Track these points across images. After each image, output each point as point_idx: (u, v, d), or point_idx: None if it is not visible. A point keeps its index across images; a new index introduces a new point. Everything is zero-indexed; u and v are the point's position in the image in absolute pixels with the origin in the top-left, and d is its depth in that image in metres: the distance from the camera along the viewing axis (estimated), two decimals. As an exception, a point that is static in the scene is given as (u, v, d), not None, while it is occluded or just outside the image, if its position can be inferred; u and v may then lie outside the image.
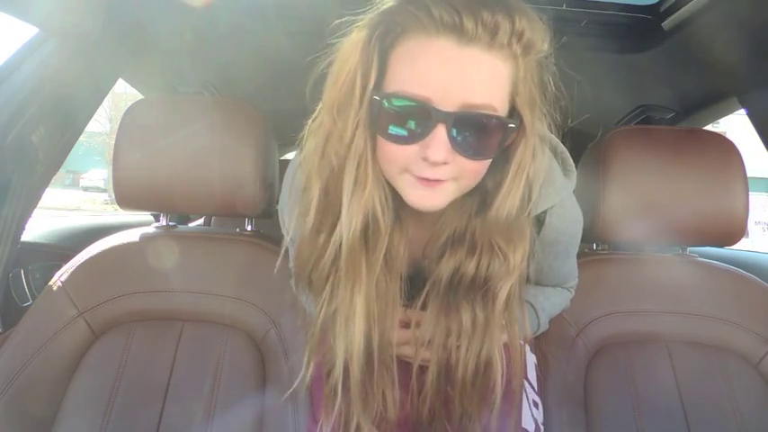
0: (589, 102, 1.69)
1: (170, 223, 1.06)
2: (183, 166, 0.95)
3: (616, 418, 0.89)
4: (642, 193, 0.94)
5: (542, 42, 0.63)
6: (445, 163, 0.62)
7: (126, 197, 0.98)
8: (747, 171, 0.94)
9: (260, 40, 1.40)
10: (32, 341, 0.90)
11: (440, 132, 0.60)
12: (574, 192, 0.80)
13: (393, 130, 0.62)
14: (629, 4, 1.25)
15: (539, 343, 0.94)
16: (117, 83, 1.31)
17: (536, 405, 0.84)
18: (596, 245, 1.06)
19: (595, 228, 0.97)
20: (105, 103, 1.85)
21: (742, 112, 1.29)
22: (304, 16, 1.29)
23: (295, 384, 0.74)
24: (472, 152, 0.63)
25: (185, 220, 1.92)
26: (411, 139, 0.62)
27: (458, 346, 0.70)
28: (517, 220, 0.69)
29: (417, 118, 0.61)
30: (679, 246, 1.03)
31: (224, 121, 0.98)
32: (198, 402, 0.89)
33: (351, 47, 0.63)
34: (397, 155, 0.64)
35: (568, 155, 0.79)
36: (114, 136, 0.99)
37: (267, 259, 0.96)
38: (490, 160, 0.66)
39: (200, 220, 2.11)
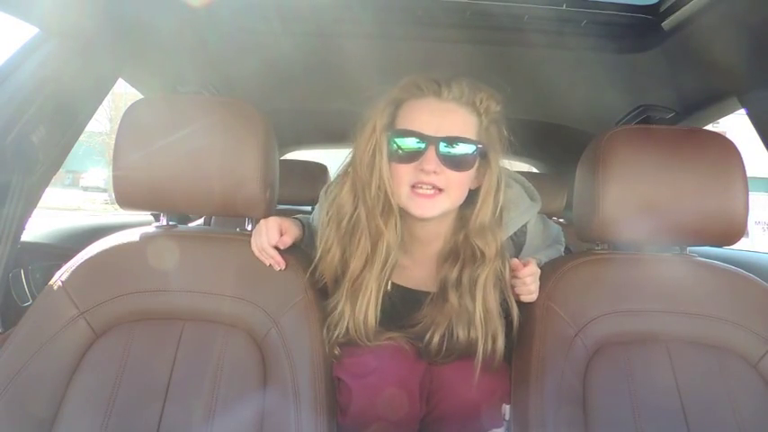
0: (589, 102, 1.71)
1: (170, 223, 1.06)
2: (183, 166, 0.95)
3: (615, 418, 0.89)
4: (642, 193, 0.95)
5: (496, 105, 0.97)
6: (435, 173, 0.91)
7: (126, 197, 0.98)
8: (747, 171, 0.94)
9: (260, 40, 1.40)
10: (33, 341, 0.90)
11: (430, 150, 0.91)
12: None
13: (400, 151, 0.93)
14: (628, 4, 1.26)
15: (537, 341, 0.94)
16: (117, 83, 1.31)
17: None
18: (596, 244, 1.05)
19: (594, 227, 0.97)
20: (105, 103, 1.85)
21: (742, 112, 1.29)
22: (304, 16, 1.29)
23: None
24: (454, 165, 0.92)
25: (185, 220, 1.92)
26: (414, 157, 0.92)
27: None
28: (489, 228, 0.96)
29: (416, 140, 0.92)
30: (678, 245, 1.03)
31: (224, 121, 0.98)
32: (198, 402, 0.89)
33: (376, 109, 0.96)
34: (404, 171, 0.93)
35: (532, 187, 1.10)
36: (114, 136, 0.99)
37: None
38: (469, 173, 0.95)
39: (200, 220, 2.11)
